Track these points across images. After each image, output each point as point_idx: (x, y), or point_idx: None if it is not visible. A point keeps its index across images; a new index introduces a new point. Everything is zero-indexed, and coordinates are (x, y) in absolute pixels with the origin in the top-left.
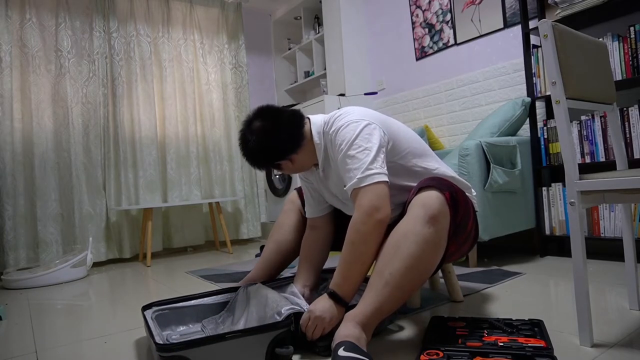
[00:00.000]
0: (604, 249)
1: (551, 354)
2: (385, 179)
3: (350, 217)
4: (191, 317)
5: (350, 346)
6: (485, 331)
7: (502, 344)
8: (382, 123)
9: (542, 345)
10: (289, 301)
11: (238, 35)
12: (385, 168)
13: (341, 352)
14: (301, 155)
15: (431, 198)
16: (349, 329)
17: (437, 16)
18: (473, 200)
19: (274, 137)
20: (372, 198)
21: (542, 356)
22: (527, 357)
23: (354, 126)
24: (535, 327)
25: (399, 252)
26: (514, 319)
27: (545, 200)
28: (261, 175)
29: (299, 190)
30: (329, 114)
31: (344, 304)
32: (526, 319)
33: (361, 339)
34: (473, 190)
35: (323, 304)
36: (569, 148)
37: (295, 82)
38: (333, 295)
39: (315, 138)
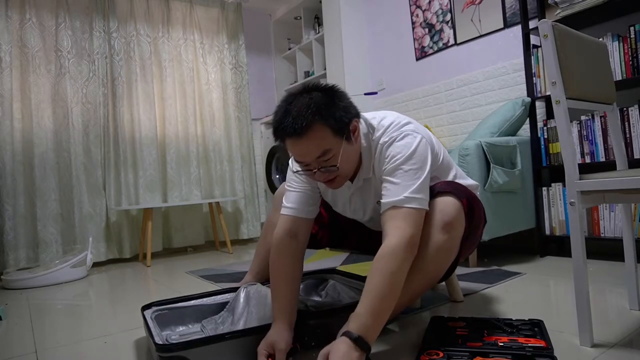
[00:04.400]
0: (604, 249)
1: (551, 354)
2: (427, 207)
3: (355, 221)
4: (191, 317)
5: None
6: (485, 331)
7: (502, 344)
8: (427, 135)
9: (542, 345)
10: None
11: (238, 35)
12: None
13: None
14: (353, 147)
15: (448, 205)
16: None
17: (437, 16)
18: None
19: (330, 103)
20: (414, 227)
21: (542, 356)
22: (527, 357)
23: (410, 139)
24: (535, 327)
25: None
26: (514, 319)
27: (545, 200)
28: (261, 175)
29: None
30: (367, 115)
31: (367, 349)
32: (526, 319)
33: None
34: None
35: (345, 353)
36: (569, 148)
37: (295, 82)
38: (359, 342)
39: (362, 140)
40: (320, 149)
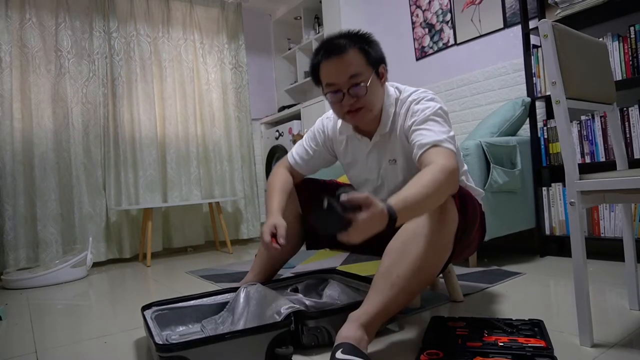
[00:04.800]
0: (604, 249)
1: (551, 354)
2: None
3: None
4: (191, 317)
5: (349, 348)
6: (485, 331)
7: (502, 344)
8: None
9: (542, 345)
10: (288, 300)
11: (238, 35)
12: None
13: (339, 355)
14: (380, 88)
15: None
16: (350, 331)
17: (437, 16)
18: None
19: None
20: (456, 165)
21: (542, 356)
22: (527, 357)
23: (437, 103)
24: (535, 327)
25: (407, 253)
26: (514, 319)
27: (545, 200)
28: (261, 175)
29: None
30: (396, 84)
31: (391, 233)
32: (526, 319)
33: (362, 341)
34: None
35: (381, 220)
36: (569, 148)
37: (295, 82)
38: (391, 221)
39: (385, 100)
40: (353, 69)
